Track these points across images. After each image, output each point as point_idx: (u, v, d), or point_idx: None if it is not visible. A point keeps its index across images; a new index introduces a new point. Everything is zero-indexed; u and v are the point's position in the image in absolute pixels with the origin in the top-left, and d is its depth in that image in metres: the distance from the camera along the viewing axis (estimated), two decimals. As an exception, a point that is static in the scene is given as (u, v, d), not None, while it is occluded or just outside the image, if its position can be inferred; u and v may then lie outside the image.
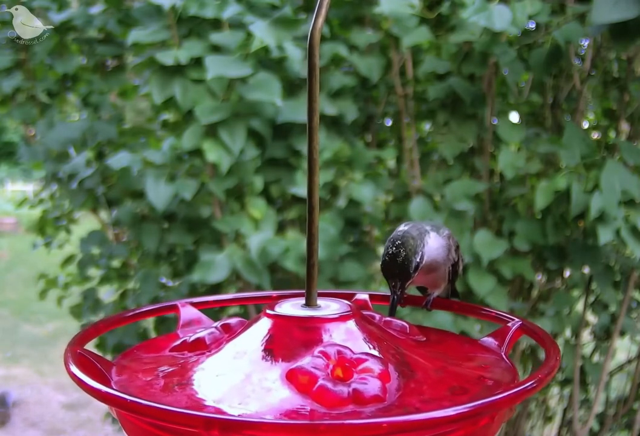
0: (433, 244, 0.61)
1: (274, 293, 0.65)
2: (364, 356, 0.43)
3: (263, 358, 0.45)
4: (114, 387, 0.45)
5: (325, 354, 0.43)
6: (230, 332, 0.52)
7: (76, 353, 0.48)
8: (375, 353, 0.45)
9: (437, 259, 0.62)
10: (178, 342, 0.52)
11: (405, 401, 0.41)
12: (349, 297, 0.64)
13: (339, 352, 0.43)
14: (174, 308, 0.61)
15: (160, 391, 0.44)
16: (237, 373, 0.44)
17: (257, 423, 0.36)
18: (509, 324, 0.55)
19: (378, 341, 0.47)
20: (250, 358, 0.46)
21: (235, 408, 0.40)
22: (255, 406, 0.40)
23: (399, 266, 0.57)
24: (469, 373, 0.47)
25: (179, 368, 0.48)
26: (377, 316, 0.55)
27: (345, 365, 0.42)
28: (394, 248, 0.57)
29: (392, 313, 0.58)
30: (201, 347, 0.50)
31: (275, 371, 0.43)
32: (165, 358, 0.51)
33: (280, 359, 0.44)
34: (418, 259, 0.58)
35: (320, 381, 0.41)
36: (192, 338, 0.51)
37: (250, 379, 0.43)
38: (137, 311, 0.62)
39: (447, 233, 0.63)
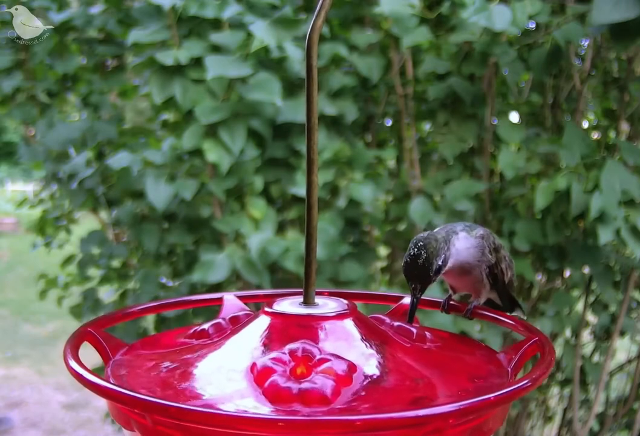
0: (462, 245, 0.59)
1: (325, 290, 0.65)
2: (329, 357, 0.43)
3: (243, 351, 0.47)
4: (111, 365, 0.50)
5: (292, 351, 0.44)
6: (235, 324, 0.53)
7: (86, 331, 0.52)
8: (350, 354, 0.45)
9: (468, 260, 0.60)
10: (191, 331, 0.54)
11: (352, 406, 0.41)
12: (396, 300, 0.64)
13: (306, 350, 0.44)
14: (219, 299, 0.63)
15: (144, 371, 0.48)
16: (214, 362, 0.47)
17: (166, 406, 0.38)
18: (528, 339, 0.53)
19: (364, 343, 0.47)
20: (234, 350, 0.48)
21: (189, 394, 0.43)
22: (209, 393, 0.43)
23: (419, 268, 0.55)
24: (451, 386, 0.46)
25: (173, 354, 0.50)
26: (387, 320, 0.55)
27: (308, 364, 0.43)
28: (415, 249, 0.55)
29: (411, 317, 0.56)
30: (204, 336, 0.53)
31: (245, 363, 0.44)
32: (172, 344, 0.54)
33: (256, 354, 0.45)
34: (440, 262, 0.55)
35: (274, 377, 0.42)
36: (199, 328, 0.54)
37: (222, 369, 0.45)
38: (180, 300, 0.65)
39: (481, 233, 0.61)
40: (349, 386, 0.42)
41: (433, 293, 1.51)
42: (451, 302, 0.64)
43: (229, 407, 0.41)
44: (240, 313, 0.56)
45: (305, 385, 0.41)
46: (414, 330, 0.53)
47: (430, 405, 0.42)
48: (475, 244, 0.60)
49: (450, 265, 0.58)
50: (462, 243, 0.59)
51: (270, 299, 0.53)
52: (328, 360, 0.43)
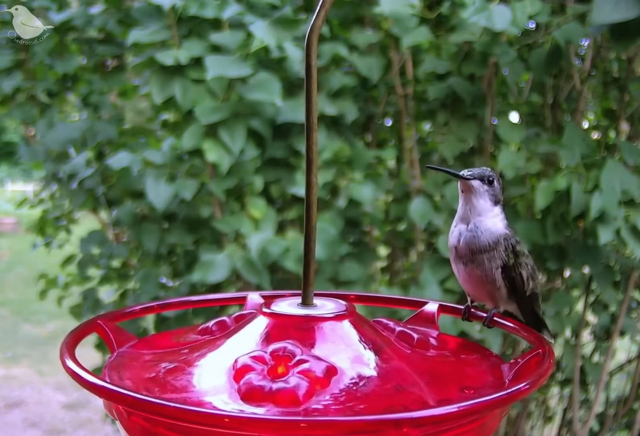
0: (488, 222, 0.61)
1: (352, 293, 0.65)
2: (308, 358, 0.43)
3: (234, 349, 0.47)
4: (113, 357, 0.51)
5: (274, 351, 0.44)
6: (238, 323, 0.54)
7: (95, 322, 0.54)
8: (339, 357, 0.45)
9: (484, 238, 0.60)
10: (199, 328, 0.56)
11: (321, 409, 0.41)
12: (420, 304, 0.63)
13: (287, 350, 0.44)
14: (243, 298, 0.63)
15: (140, 364, 0.49)
16: (206, 359, 0.47)
17: (124, 395, 0.39)
18: (532, 351, 0.51)
19: (357, 346, 0.47)
20: (226, 348, 0.48)
21: (170, 387, 0.44)
22: (190, 387, 0.44)
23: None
24: (434, 395, 0.45)
25: (171, 350, 0.51)
26: (391, 324, 0.54)
27: (288, 364, 0.43)
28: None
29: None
30: (208, 333, 0.54)
31: (231, 361, 0.44)
32: (176, 340, 0.55)
33: (244, 353, 0.45)
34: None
35: (249, 375, 0.42)
36: (205, 326, 0.55)
37: (209, 366, 0.46)
38: (204, 298, 0.66)
39: (507, 232, 0.62)
40: (325, 388, 0.42)
41: (433, 294, 1.50)
42: (472, 310, 0.63)
43: (201, 402, 0.42)
44: (245, 312, 0.56)
45: (278, 384, 0.41)
46: (416, 336, 0.52)
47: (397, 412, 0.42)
48: (496, 233, 0.61)
49: (469, 235, 0.60)
50: (490, 222, 0.61)
51: (273, 299, 0.53)
52: (306, 361, 0.43)
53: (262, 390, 0.41)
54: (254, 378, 0.42)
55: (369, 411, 0.41)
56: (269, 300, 0.52)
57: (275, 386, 0.41)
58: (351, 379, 0.44)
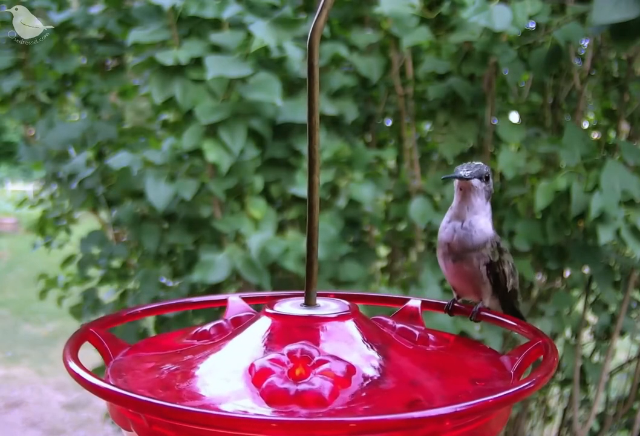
0: (479, 221, 0.61)
1: (332, 292, 0.65)
2: (328, 358, 0.43)
3: (243, 352, 0.47)
4: (111, 366, 0.50)
5: (290, 352, 0.44)
6: (236, 326, 0.54)
7: (88, 330, 0.53)
8: (350, 356, 0.45)
9: (473, 237, 0.61)
10: (193, 332, 0.55)
11: (349, 408, 0.41)
12: (402, 302, 0.63)
13: (305, 351, 0.44)
14: (224, 301, 0.63)
15: (144, 372, 0.48)
16: (214, 363, 0.47)
17: (159, 406, 0.38)
18: (532, 342, 0.52)
19: (365, 345, 0.47)
20: (234, 351, 0.48)
21: (186, 394, 0.43)
22: (207, 394, 0.43)
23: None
24: (451, 389, 0.46)
25: (173, 355, 0.51)
26: (390, 321, 0.55)
27: (307, 365, 0.43)
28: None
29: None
30: (206, 337, 0.53)
31: (244, 365, 0.44)
32: (173, 345, 0.54)
33: (256, 355, 0.45)
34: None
35: (271, 378, 0.42)
36: (201, 329, 0.54)
37: (221, 370, 0.45)
38: (187, 301, 0.66)
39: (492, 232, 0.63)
40: (347, 387, 0.42)
41: (433, 293, 1.51)
42: (456, 305, 0.64)
43: (225, 408, 0.41)
44: (242, 314, 0.56)
45: (302, 386, 0.41)
46: (417, 332, 0.53)
47: (426, 407, 0.42)
48: (487, 234, 0.62)
49: (460, 233, 0.60)
50: (483, 221, 0.61)
51: (275, 300, 0.52)
52: (327, 361, 0.43)
53: (287, 392, 0.40)
54: (276, 381, 0.41)
55: (396, 407, 0.41)
56: (271, 301, 0.52)
57: (299, 388, 0.41)
58: (368, 377, 0.44)
